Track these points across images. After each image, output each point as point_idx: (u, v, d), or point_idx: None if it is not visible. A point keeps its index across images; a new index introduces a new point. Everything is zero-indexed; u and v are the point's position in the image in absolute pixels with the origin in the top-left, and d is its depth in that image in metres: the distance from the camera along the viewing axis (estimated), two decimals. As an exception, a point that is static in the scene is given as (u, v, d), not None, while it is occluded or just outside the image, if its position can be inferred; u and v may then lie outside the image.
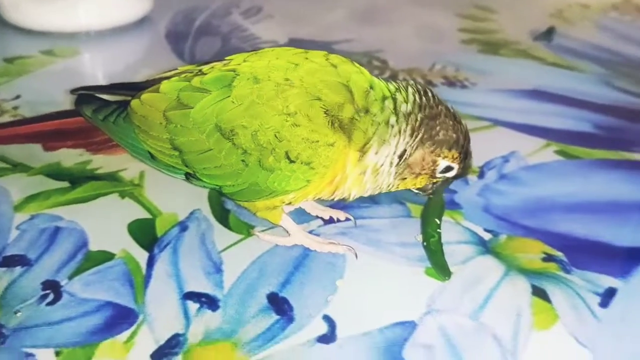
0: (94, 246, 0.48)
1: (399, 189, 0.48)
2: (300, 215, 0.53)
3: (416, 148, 0.45)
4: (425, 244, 0.49)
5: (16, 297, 0.43)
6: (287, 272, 0.46)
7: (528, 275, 0.47)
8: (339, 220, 0.52)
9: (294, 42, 0.90)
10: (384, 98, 0.45)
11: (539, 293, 0.45)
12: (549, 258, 0.49)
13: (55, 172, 0.56)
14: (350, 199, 0.47)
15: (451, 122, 0.46)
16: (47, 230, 0.49)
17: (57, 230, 0.50)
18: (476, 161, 0.50)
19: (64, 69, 0.80)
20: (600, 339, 0.42)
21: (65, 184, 0.55)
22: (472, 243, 0.50)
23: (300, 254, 0.48)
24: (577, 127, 0.69)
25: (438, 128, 0.45)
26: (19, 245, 0.48)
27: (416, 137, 0.45)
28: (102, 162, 0.58)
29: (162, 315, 0.42)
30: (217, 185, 0.46)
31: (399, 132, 0.45)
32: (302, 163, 0.43)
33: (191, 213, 0.52)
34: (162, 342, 0.40)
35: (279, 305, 0.43)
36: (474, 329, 0.42)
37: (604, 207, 0.55)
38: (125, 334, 0.41)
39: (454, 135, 0.46)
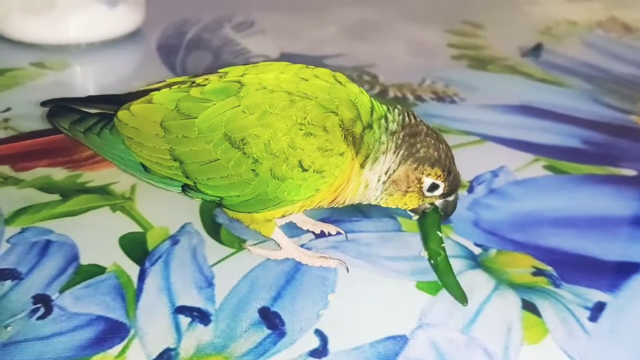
0: (85, 260, 0.48)
1: (390, 205, 0.49)
2: (292, 229, 0.53)
3: (399, 165, 0.46)
4: (432, 262, 0.48)
5: (6, 311, 0.43)
6: (278, 286, 0.46)
7: (518, 290, 0.47)
8: (330, 234, 0.52)
9: (286, 57, 0.91)
10: (380, 117, 0.46)
11: (529, 307, 0.46)
12: (538, 272, 0.49)
13: (46, 185, 0.56)
14: (341, 206, 0.48)
15: (432, 141, 0.46)
16: (37, 243, 0.49)
17: (48, 243, 0.49)
18: (465, 176, 0.51)
19: (54, 81, 0.80)
20: (590, 353, 0.42)
21: (56, 197, 0.55)
22: (463, 257, 0.51)
23: (291, 268, 0.48)
24: (565, 143, 0.70)
25: (419, 146, 0.46)
26: (9, 259, 0.47)
27: (398, 154, 0.46)
28: (93, 176, 0.58)
29: (153, 329, 0.42)
30: (219, 196, 0.46)
31: (387, 149, 0.46)
32: (314, 171, 0.43)
33: (182, 227, 0.52)
34: (153, 356, 0.40)
35: (270, 319, 0.43)
36: (465, 343, 0.42)
37: (592, 222, 0.56)
38: (117, 348, 0.41)
39: (435, 154, 0.46)
